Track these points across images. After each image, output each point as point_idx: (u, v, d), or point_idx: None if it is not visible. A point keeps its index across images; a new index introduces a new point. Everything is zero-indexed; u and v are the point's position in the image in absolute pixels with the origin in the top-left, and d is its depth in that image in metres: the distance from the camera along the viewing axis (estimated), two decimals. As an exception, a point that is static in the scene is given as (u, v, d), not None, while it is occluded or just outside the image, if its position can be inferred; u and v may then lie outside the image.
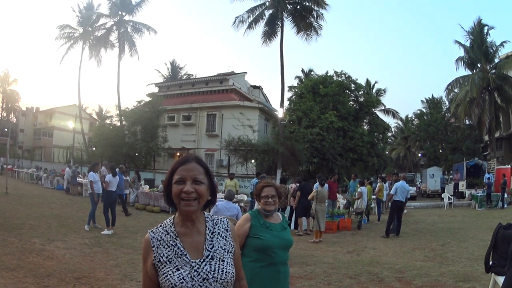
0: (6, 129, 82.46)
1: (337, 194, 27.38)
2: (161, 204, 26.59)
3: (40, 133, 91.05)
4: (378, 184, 28.93)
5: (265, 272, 5.22)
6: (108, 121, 67.29)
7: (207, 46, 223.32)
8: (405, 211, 25.71)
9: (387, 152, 77.93)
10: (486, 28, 52.65)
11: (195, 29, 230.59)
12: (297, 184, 21.61)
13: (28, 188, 39.51)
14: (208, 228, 3.10)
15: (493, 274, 7.97)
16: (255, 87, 70.50)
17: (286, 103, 58.99)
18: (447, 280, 11.15)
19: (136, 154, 53.23)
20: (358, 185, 25.89)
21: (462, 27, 55.00)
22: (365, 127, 63.22)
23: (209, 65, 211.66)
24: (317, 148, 50.99)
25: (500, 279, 7.43)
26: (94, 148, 64.10)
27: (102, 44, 63.12)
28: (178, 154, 56.19)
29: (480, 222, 25.03)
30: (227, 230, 3.19)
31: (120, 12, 60.51)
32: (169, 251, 2.93)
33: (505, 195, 34.35)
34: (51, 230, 16.92)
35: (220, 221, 3.22)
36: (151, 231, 3.04)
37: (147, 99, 60.21)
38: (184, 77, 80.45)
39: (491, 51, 52.47)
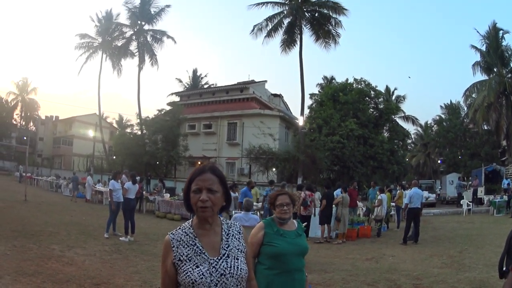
0: (25, 138, 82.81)
1: (357, 201, 27.55)
2: (182, 212, 26.48)
3: (59, 142, 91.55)
4: (398, 191, 28.74)
5: (280, 279, 5.35)
6: (128, 130, 67.63)
7: (227, 55, 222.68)
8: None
9: (407, 159, 77.50)
10: (501, 32, 52.32)
11: (215, 38, 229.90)
12: (306, 193, 21.44)
13: (47, 196, 39.75)
14: (224, 230, 3.42)
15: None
16: (275, 95, 70.33)
17: (306, 111, 59.02)
18: (463, 286, 11.24)
19: (157, 162, 53.74)
20: (377, 193, 25.90)
21: (478, 31, 54.32)
22: (385, 134, 63.15)
23: (229, 73, 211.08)
24: (338, 156, 50.90)
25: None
26: (114, 157, 64.53)
27: (122, 53, 63.37)
28: (199, 162, 55.26)
29: (498, 228, 24.58)
30: (239, 232, 3.52)
31: (139, 22, 60.89)
32: (189, 250, 3.22)
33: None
34: (70, 237, 17.07)
35: (234, 224, 3.56)
36: (171, 232, 3.34)
37: (168, 108, 61.00)
38: (205, 86, 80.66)
39: (507, 55, 52.12)
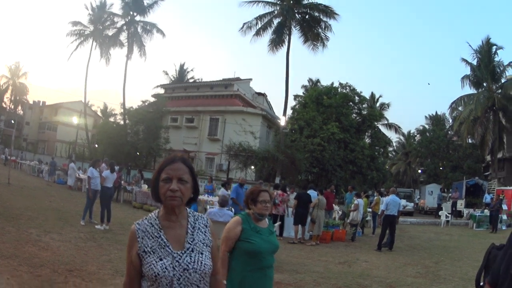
0: (12, 121, 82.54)
1: (333, 205, 27.44)
2: (158, 204, 25.85)
3: (44, 127, 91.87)
4: (375, 197, 28.74)
5: (254, 276, 5.28)
6: (112, 119, 67.49)
7: (214, 51, 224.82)
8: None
9: (387, 167, 77.77)
10: (494, 47, 52.37)
11: (204, 34, 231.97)
12: (278, 192, 21.76)
13: (29, 180, 39.67)
14: (190, 223, 3.34)
15: None
16: (259, 94, 71.01)
17: (289, 111, 59.56)
18: None
19: (138, 153, 53.77)
20: (354, 197, 25.77)
21: (470, 45, 54.62)
22: (366, 140, 63.27)
23: (215, 69, 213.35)
24: (317, 158, 50.86)
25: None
26: (96, 145, 64.42)
27: (111, 43, 63.40)
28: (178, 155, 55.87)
29: (477, 242, 24.56)
30: (206, 226, 3.43)
31: (131, 12, 60.80)
32: (153, 242, 3.15)
33: (504, 217, 33.78)
34: (48, 222, 17.03)
35: (201, 217, 3.46)
36: (137, 223, 3.29)
37: (152, 99, 60.99)
38: (191, 80, 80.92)
39: (498, 70, 52.14)
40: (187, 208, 3.44)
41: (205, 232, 3.39)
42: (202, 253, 3.24)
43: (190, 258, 3.15)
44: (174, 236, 3.23)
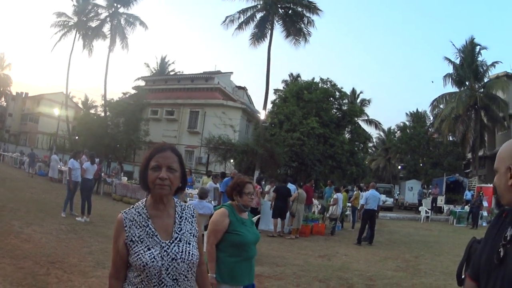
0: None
1: (313, 199, 27.48)
2: (138, 197, 26.18)
3: (27, 119, 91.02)
4: (355, 192, 28.95)
5: (241, 266, 5.35)
6: (93, 111, 67.30)
7: (196, 43, 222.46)
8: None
9: (366, 162, 77.86)
10: (478, 47, 52.61)
11: (187, 26, 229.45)
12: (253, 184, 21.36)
13: (11, 172, 39.64)
14: (177, 213, 3.33)
15: None
16: (240, 87, 71.08)
17: (269, 106, 59.62)
18: None
19: (118, 145, 53.58)
20: (334, 192, 25.73)
21: (453, 44, 54.73)
22: (346, 136, 63.44)
23: (196, 62, 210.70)
24: (297, 152, 50.98)
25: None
26: (77, 137, 63.72)
27: (94, 34, 62.97)
28: None
29: (457, 238, 24.58)
30: (193, 216, 3.43)
31: (115, 4, 60.46)
32: (141, 231, 3.13)
33: (485, 214, 33.74)
34: (30, 214, 16.99)
35: (187, 207, 3.46)
36: (124, 211, 3.25)
37: (133, 91, 60.56)
38: (172, 73, 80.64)
39: (481, 70, 52.37)
40: (174, 198, 3.41)
41: (192, 222, 3.38)
42: (189, 243, 3.23)
43: (178, 248, 3.13)
44: (162, 225, 3.21)
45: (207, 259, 5.16)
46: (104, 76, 59.45)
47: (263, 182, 24.77)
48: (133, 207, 3.29)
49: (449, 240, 23.52)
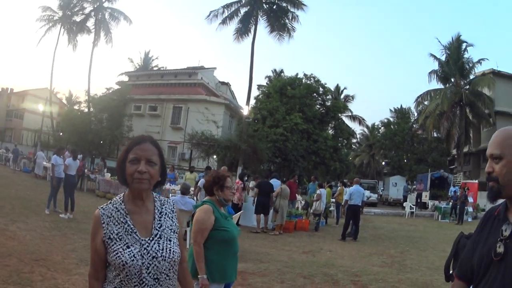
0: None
1: (296, 194, 27.44)
2: (121, 193, 25.69)
3: (12, 115, 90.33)
4: (339, 188, 28.93)
5: (230, 263, 5.36)
6: (76, 107, 67.17)
7: (180, 39, 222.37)
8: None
9: (350, 158, 78.54)
10: (464, 44, 53.05)
11: (170, 21, 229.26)
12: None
13: None
14: (157, 208, 3.18)
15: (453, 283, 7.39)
16: (223, 83, 71.03)
17: (253, 101, 59.61)
18: (405, 287, 11.01)
19: (101, 141, 53.36)
20: (317, 187, 25.75)
21: (439, 41, 55.02)
22: (330, 132, 63.54)
23: (180, 57, 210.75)
24: (280, 148, 51.07)
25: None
26: (61, 134, 63.40)
27: (79, 29, 62.48)
28: None
29: (442, 233, 24.70)
30: (173, 211, 3.28)
31: (100, -2, 59.84)
32: (119, 228, 2.98)
33: (470, 209, 33.95)
34: (14, 211, 16.86)
35: (167, 202, 3.31)
36: (101, 207, 3.08)
37: (117, 87, 60.75)
38: (155, 68, 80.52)
39: (467, 67, 52.71)
40: (153, 193, 3.28)
41: (172, 217, 3.25)
42: (170, 240, 3.10)
43: (159, 246, 3.01)
44: (141, 221, 3.08)
45: (195, 260, 5.11)
46: (88, 71, 59.26)
47: (246, 178, 24.60)
48: (110, 203, 3.12)
49: (434, 236, 23.52)
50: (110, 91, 58.42)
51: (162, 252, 2.97)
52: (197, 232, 5.19)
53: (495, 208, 2.79)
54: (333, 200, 28.47)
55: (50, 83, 65.45)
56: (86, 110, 59.66)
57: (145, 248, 2.93)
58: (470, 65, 52.72)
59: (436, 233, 24.87)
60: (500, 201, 2.75)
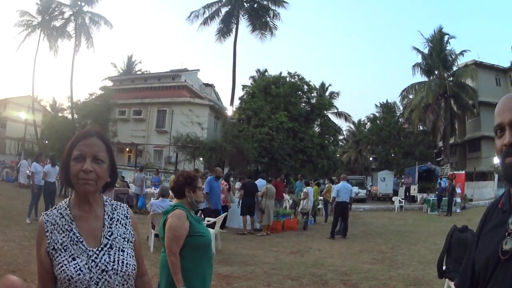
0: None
1: (284, 194, 27.44)
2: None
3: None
4: (326, 185, 29.13)
5: (207, 270, 4.97)
6: (60, 114, 66.74)
7: (162, 42, 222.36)
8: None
9: (337, 155, 78.48)
10: (446, 36, 53.67)
11: (152, 24, 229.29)
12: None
13: None
14: (107, 213, 2.76)
15: (447, 279, 7.48)
16: (207, 85, 71.58)
17: (237, 102, 59.83)
18: (396, 284, 10.74)
19: (85, 148, 52.69)
20: (304, 185, 25.57)
21: (421, 34, 55.85)
22: (316, 129, 63.86)
23: (163, 61, 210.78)
24: (266, 148, 51.13)
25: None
26: (46, 141, 63.07)
27: (59, 34, 62.05)
28: (127, 149, 57.85)
29: (432, 226, 24.75)
30: (127, 217, 2.85)
31: (79, 3, 59.71)
32: (64, 237, 2.55)
33: (458, 200, 34.08)
34: None
35: (120, 206, 2.88)
36: (45, 213, 2.66)
37: (100, 92, 60.05)
38: (139, 72, 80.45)
39: (450, 59, 53.40)
40: (103, 196, 2.83)
41: (126, 224, 2.81)
42: (123, 251, 2.67)
43: (109, 257, 2.58)
44: (88, 229, 2.63)
45: (171, 271, 4.70)
46: (70, 77, 58.72)
47: (232, 179, 24.39)
48: (55, 208, 2.68)
49: (424, 229, 23.50)
50: (93, 97, 57.78)
51: (113, 265, 2.56)
52: (171, 241, 4.78)
53: (497, 200, 2.44)
54: (321, 198, 28.37)
55: (32, 90, 65.13)
56: (69, 116, 59.39)
57: (93, 260, 2.52)
58: (453, 57, 53.50)
59: (426, 226, 24.88)
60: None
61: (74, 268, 2.44)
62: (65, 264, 2.45)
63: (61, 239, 2.53)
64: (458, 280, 2.66)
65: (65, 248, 2.51)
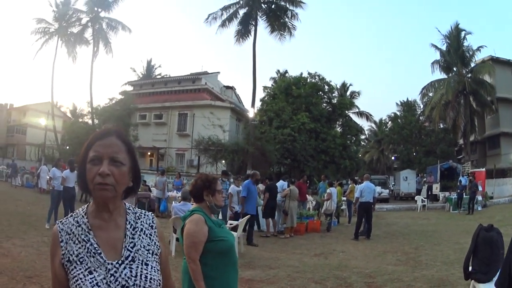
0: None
1: (307, 195, 27.25)
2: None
3: (13, 130, 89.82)
4: (350, 185, 28.72)
5: (231, 275, 4.70)
6: (81, 120, 66.91)
7: (182, 45, 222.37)
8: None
9: (360, 155, 78.15)
10: (463, 33, 53.31)
11: (171, 27, 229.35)
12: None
13: None
14: (129, 222, 2.50)
15: (472, 281, 7.23)
16: (228, 87, 70.97)
17: (258, 103, 59.85)
18: (420, 285, 10.60)
19: (106, 153, 52.83)
20: (327, 186, 25.42)
21: (439, 30, 56.01)
22: (337, 129, 63.55)
23: (183, 64, 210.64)
24: (288, 149, 50.94)
25: (481, 287, 6.62)
26: (68, 147, 63.20)
27: (77, 40, 62.25)
28: (149, 153, 57.47)
29: (454, 224, 24.61)
30: (152, 226, 2.59)
31: (96, 8, 59.81)
32: (80, 248, 2.32)
33: (479, 198, 33.56)
34: (11, 227, 16.59)
35: (144, 215, 2.61)
36: (60, 221, 2.43)
37: (120, 97, 60.59)
38: (158, 76, 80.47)
39: (468, 55, 53.01)
40: (126, 203, 2.59)
41: (151, 234, 2.55)
42: (147, 264, 2.41)
43: (131, 271, 2.33)
44: (108, 240, 2.40)
45: (193, 279, 4.52)
46: (89, 82, 59.04)
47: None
48: (71, 216, 2.46)
49: (447, 228, 23.34)
50: (113, 102, 58.47)
51: (135, 280, 2.30)
52: (190, 247, 4.60)
53: None
54: (344, 198, 28.26)
55: (51, 96, 65.65)
56: (90, 122, 59.65)
57: (112, 275, 2.28)
58: (470, 53, 53.10)
59: (449, 225, 24.66)
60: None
61: (90, 283, 2.23)
62: (81, 278, 2.24)
63: (77, 250, 2.32)
64: (498, 280, 2.73)
65: (81, 260, 2.30)
